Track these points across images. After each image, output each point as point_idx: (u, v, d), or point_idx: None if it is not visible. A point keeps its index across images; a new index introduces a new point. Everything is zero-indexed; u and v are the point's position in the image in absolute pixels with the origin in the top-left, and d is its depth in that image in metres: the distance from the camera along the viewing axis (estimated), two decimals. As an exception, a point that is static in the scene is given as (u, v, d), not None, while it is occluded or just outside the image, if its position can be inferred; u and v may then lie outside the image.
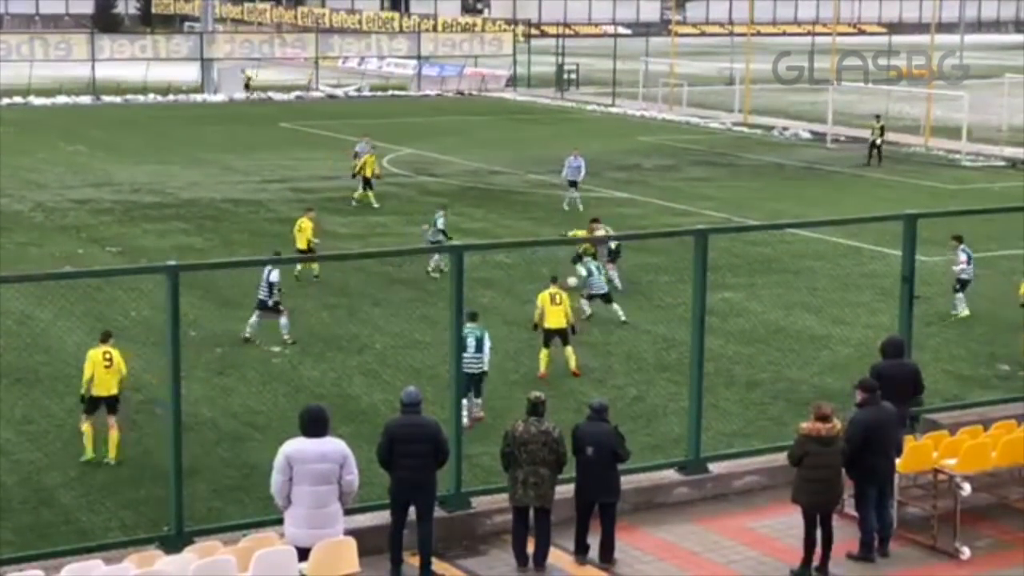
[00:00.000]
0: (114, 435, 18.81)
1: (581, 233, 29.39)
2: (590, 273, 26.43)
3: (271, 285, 24.70)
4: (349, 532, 13.41)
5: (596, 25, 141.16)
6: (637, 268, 30.72)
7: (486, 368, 20.57)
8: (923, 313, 24.16)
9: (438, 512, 15.05)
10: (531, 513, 14.45)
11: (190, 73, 78.09)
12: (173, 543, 13.92)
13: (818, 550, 14.41)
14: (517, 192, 43.91)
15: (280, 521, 13.41)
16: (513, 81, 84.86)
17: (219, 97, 75.79)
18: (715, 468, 16.79)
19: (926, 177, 48.40)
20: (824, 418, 14.23)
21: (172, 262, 14.35)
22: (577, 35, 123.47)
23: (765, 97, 73.01)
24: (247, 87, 76.44)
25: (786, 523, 15.19)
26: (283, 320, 24.89)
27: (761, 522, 15.71)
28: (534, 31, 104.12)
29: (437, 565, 14.40)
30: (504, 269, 30.78)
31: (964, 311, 27.64)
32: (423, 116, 68.56)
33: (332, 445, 13.22)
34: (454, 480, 15.34)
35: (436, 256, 28.52)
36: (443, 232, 30.41)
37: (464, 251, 15.94)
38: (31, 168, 47.46)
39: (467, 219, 37.24)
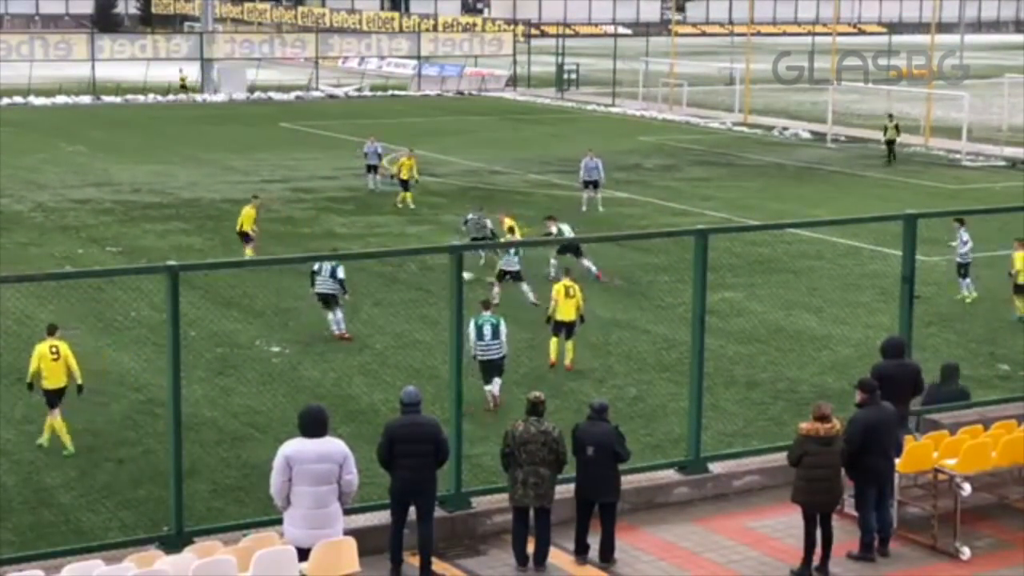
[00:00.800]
0: (59, 423, 19.03)
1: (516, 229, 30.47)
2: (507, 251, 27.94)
3: (341, 281, 25.15)
4: (349, 532, 13.41)
5: (596, 25, 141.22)
6: (637, 268, 30.74)
7: (505, 352, 21.29)
8: (923, 313, 24.17)
9: (439, 512, 15.05)
10: (531, 513, 14.45)
11: (190, 73, 78.09)
12: (173, 543, 13.91)
13: (818, 550, 14.41)
14: (518, 192, 43.89)
15: (280, 521, 13.41)
16: (513, 81, 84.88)
17: (219, 97, 75.81)
18: (715, 468, 16.79)
19: (926, 177, 48.42)
20: (823, 418, 14.23)
21: (172, 262, 14.34)
22: (577, 35, 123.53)
23: (765, 97, 73.05)
24: (183, 87, 75.31)
25: (786, 523, 15.18)
26: (339, 314, 25.25)
27: (761, 522, 15.71)
28: (534, 31, 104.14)
29: (437, 565, 14.40)
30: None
31: (973, 293, 27.73)
32: (423, 116, 68.58)
33: (331, 445, 13.21)
34: (454, 480, 15.34)
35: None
36: (490, 231, 31.11)
37: (462, 251, 15.93)
38: (31, 168, 47.48)
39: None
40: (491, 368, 21.20)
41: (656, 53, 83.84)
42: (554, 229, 29.84)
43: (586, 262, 29.28)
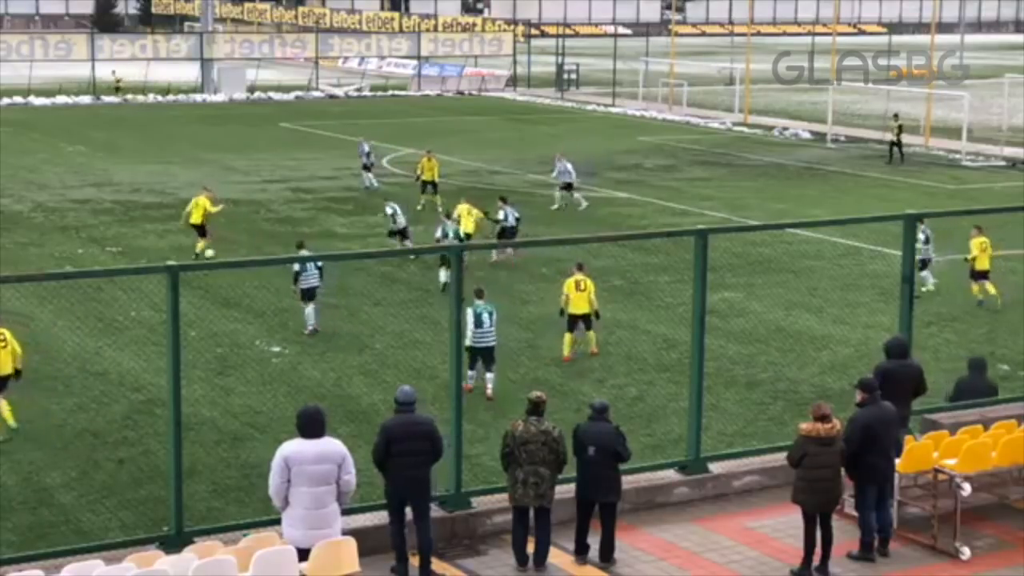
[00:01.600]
0: (3, 404, 19.39)
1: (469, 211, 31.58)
2: (445, 235, 29.48)
3: (320, 271, 25.66)
4: (349, 532, 13.41)
5: (596, 25, 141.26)
6: (638, 268, 30.74)
7: (494, 342, 21.63)
8: (923, 313, 24.19)
9: (439, 512, 15.06)
10: (531, 513, 14.45)
11: (190, 73, 78.11)
12: (173, 543, 13.91)
13: (818, 550, 14.41)
14: (518, 192, 43.85)
15: (281, 521, 13.40)
16: (513, 81, 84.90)
17: (219, 97, 75.82)
18: (715, 468, 16.79)
19: (926, 177, 48.42)
20: (823, 418, 14.22)
21: (172, 262, 14.34)
22: (577, 35, 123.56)
23: (765, 97, 73.06)
24: (117, 90, 74.67)
25: (786, 523, 15.18)
26: (312, 308, 25.50)
27: (761, 522, 15.71)
28: (534, 31, 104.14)
29: (437, 565, 14.40)
30: (504, 269, 30.81)
31: (930, 286, 28.49)
32: (423, 116, 68.58)
33: (330, 446, 13.21)
34: (454, 480, 15.33)
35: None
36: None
37: (463, 251, 15.93)
38: (31, 168, 47.48)
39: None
40: (485, 355, 21.66)
41: (656, 53, 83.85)
42: (500, 215, 31.70)
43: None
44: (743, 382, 22.73)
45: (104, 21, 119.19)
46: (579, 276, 24.14)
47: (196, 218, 32.53)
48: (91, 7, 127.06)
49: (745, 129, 63.57)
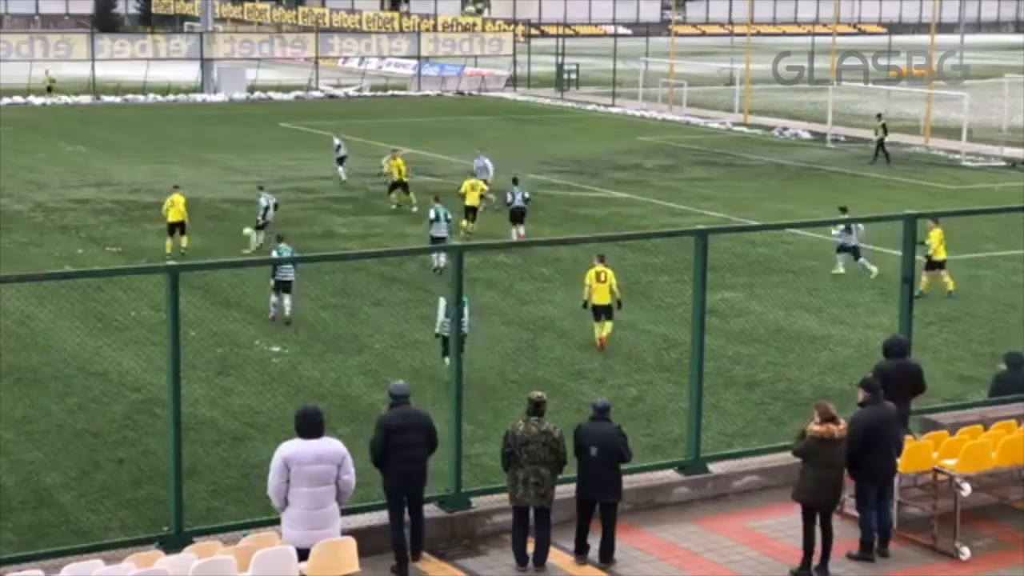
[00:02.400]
0: None
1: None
2: (437, 217, 30.93)
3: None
4: (349, 532, 13.41)
5: (596, 25, 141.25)
6: (637, 268, 30.72)
7: (466, 331, 21.32)
8: (923, 313, 24.19)
9: (439, 512, 15.07)
10: (531, 513, 14.45)
11: (190, 73, 78.12)
12: (173, 543, 13.91)
13: (817, 549, 14.41)
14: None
15: (280, 521, 13.40)
16: (513, 81, 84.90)
17: (219, 97, 75.82)
18: (715, 468, 16.79)
19: (926, 177, 48.41)
20: (833, 419, 14.21)
21: (172, 262, 14.34)
22: (577, 35, 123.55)
23: (765, 97, 73.04)
24: (49, 90, 73.85)
25: (786, 523, 15.18)
26: (288, 300, 26.10)
27: (761, 522, 15.71)
28: (534, 31, 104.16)
29: (436, 565, 14.41)
30: (503, 269, 30.82)
31: (840, 269, 30.25)
32: (423, 116, 68.58)
33: (329, 446, 13.21)
34: (454, 480, 15.34)
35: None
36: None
37: (463, 251, 15.93)
38: (31, 168, 47.49)
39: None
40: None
41: (656, 53, 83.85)
42: (509, 198, 34.52)
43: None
44: (743, 382, 22.73)
45: (104, 21, 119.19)
46: (600, 267, 24.63)
47: (174, 216, 32.73)
48: (91, 7, 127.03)
49: (745, 129, 63.57)
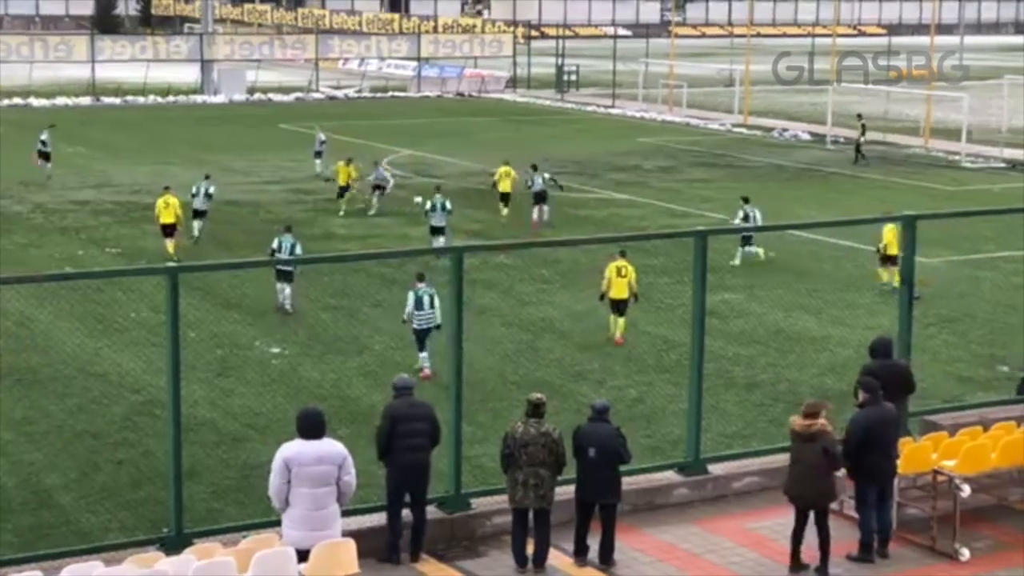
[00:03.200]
0: None
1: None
2: (434, 208, 33.05)
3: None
4: (348, 533, 13.41)
5: (596, 26, 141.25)
6: (638, 269, 30.66)
7: (439, 322, 22.51)
8: (922, 314, 24.18)
9: (438, 513, 15.08)
10: (530, 514, 14.45)
11: (190, 74, 78.12)
12: (173, 544, 13.91)
13: (813, 552, 14.40)
14: (516, 194, 43.91)
15: (280, 522, 13.41)
16: (513, 82, 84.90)
17: (219, 98, 75.84)
18: (715, 469, 16.79)
19: (925, 178, 48.43)
20: (807, 415, 14.30)
21: (172, 263, 14.34)
22: (577, 36, 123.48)
23: (765, 98, 73.04)
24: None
25: (785, 524, 15.15)
26: (289, 290, 27.01)
27: (760, 523, 15.72)
28: (534, 32, 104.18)
29: (435, 567, 14.41)
30: (503, 270, 30.82)
31: (735, 260, 30.99)
32: (423, 117, 68.59)
33: (330, 447, 13.22)
34: (454, 482, 15.34)
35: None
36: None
37: (464, 252, 15.93)
38: (31, 169, 47.43)
39: (467, 220, 37.25)
40: (426, 336, 22.95)
41: (656, 54, 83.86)
42: (529, 183, 37.38)
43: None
44: (743, 383, 22.73)
45: (104, 22, 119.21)
46: (621, 262, 25.34)
47: (167, 218, 32.71)
48: (91, 8, 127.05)
49: (745, 130, 63.59)
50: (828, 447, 14.28)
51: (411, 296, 23.05)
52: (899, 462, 15.07)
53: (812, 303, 28.12)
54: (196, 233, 34.39)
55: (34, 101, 71.72)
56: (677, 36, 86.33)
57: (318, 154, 47.35)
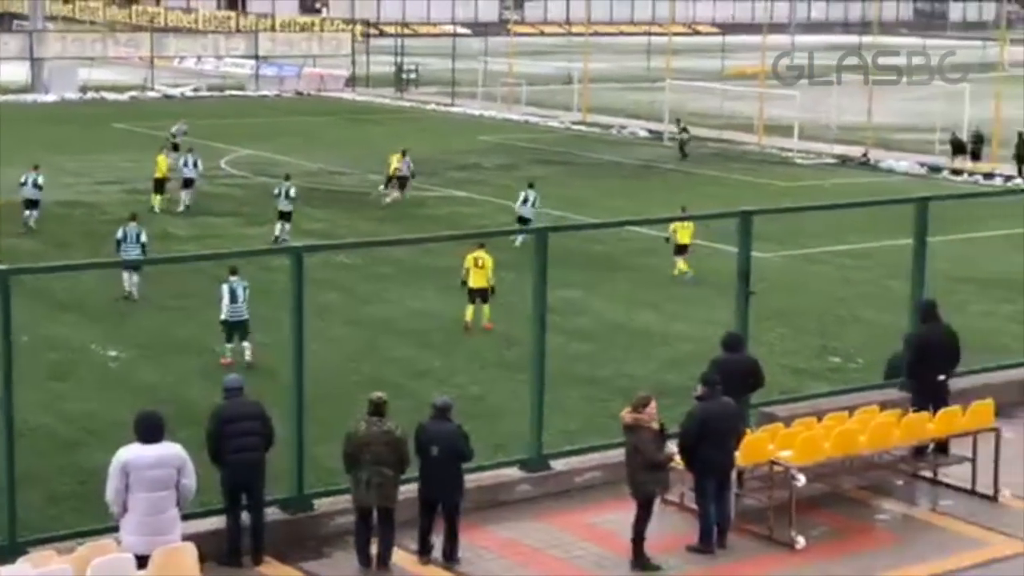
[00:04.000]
0: None
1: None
2: (279, 194, 34.81)
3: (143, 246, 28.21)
4: (189, 537, 13.22)
5: (435, 24, 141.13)
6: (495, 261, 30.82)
7: (246, 317, 23.55)
8: (760, 309, 24.60)
9: (280, 515, 14.95)
10: (374, 513, 14.40)
11: (19, 72, 76.21)
12: (6, 554, 13.57)
13: (652, 543, 14.57)
14: (358, 192, 43.73)
15: (119, 529, 13.17)
16: (352, 81, 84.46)
17: (50, 97, 74.13)
18: (557, 465, 16.90)
19: (760, 174, 49.36)
20: (635, 407, 14.53)
21: (3, 266, 14.00)
22: (416, 35, 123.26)
23: (604, 96, 73.71)
24: None
25: (627, 518, 15.32)
26: (135, 277, 27.59)
27: (603, 517, 15.86)
28: (373, 30, 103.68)
29: (278, 568, 14.29)
30: (345, 270, 30.66)
31: (516, 241, 31.15)
32: (262, 116, 67.90)
33: (168, 450, 13.04)
34: (296, 482, 15.22)
35: None
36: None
37: (304, 252, 15.79)
38: None
39: (308, 220, 36.98)
40: (240, 328, 23.57)
41: (495, 53, 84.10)
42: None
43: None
44: (584, 379, 22.91)
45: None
46: (478, 253, 26.05)
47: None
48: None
49: (584, 128, 64.14)
50: (637, 443, 14.45)
51: (225, 289, 23.57)
52: (737, 454, 15.33)
53: (651, 298, 28.48)
54: (31, 224, 33.82)
55: None
56: (516, 34, 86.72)
57: (175, 147, 45.88)
